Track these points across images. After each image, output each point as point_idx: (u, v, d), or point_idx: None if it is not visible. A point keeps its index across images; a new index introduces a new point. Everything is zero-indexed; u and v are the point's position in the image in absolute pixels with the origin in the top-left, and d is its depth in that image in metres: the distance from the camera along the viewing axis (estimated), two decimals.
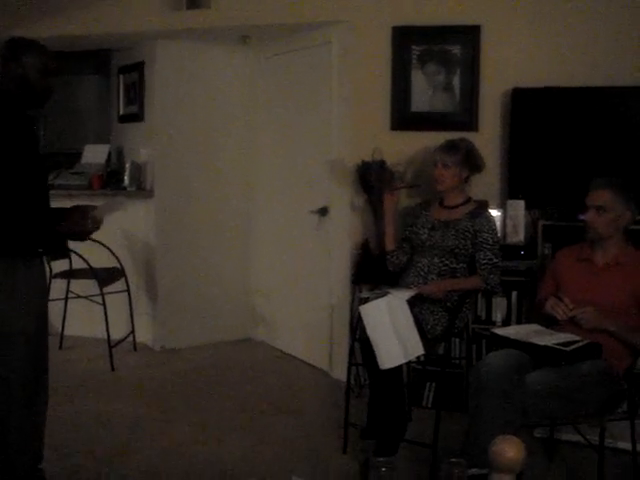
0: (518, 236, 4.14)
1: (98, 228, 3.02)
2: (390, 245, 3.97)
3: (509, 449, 2.06)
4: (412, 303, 3.52)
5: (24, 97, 2.89)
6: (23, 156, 2.82)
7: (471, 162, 3.82)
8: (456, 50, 4.39)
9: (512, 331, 3.22)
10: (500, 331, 3.25)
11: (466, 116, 4.39)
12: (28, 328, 2.88)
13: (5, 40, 2.94)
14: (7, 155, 2.76)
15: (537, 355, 3.00)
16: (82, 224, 2.96)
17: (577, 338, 3.02)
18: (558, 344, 2.97)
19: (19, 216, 2.79)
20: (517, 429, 2.81)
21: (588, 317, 3.07)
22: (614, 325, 3.06)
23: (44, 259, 3.11)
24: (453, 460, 2.22)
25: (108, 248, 5.16)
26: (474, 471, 2.30)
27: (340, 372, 4.55)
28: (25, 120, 2.90)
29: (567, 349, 2.93)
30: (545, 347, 2.98)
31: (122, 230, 5.41)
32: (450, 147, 3.80)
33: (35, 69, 2.87)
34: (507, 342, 3.11)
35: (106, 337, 4.99)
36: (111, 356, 4.98)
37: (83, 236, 3.05)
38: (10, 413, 2.89)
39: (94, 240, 4.76)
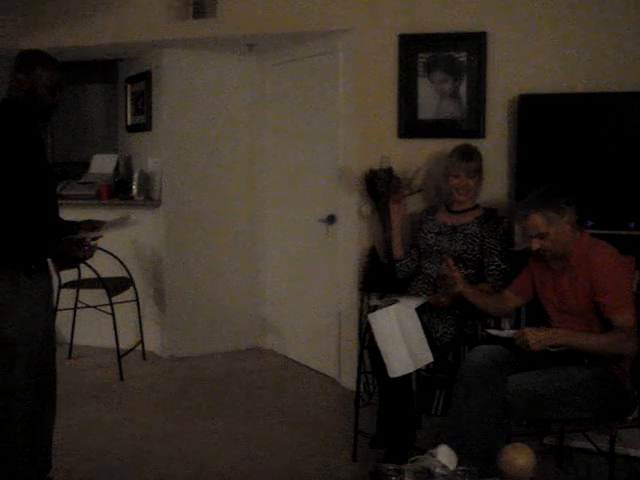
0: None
1: (90, 256, 3.05)
2: (399, 253, 3.96)
3: (519, 457, 2.06)
4: (421, 311, 3.52)
5: (31, 109, 2.91)
6: (29, 165, 2.84)
7: (481, 168, 3.85)
8: (462, 57, 4.38)
9: (505, 334, 3.18)
10: (494, 332, 3.25)
11: (473, 123, 4.38)
12: (31, 339, 2.89)
13: (20, 51, 2.97)
14: (13, 164, 2.78)
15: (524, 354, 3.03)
16: (76, 251, 2.97)
17: None
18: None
19: (24, 229, 2.82)
20: (501, 425, 2.89)
21: (525, 343, 2.94)
22: (560, 338, 2.93)
23: (49, 268, 3.13)
24: (460, 468, 2.23)
25: (117, 257, 5.18)
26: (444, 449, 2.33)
27: (349, 380, 4.54)
28: (32, 130, 2.93)
29: (552, 350, 2.93)
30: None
31: (130, 239, 5.43)
32: (470, 155, 3.81)
33: (44, 84, 2.89)
34: (498, 340, 3.14)
35: (115, 346, 4.99)
36: (120, 365, 4.98)
37: (75, 261, 3.05)
38: (16, 424, 2.89)
39: (103, 250, 4.80)
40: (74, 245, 2.95)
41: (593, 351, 2.94)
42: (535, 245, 3.09)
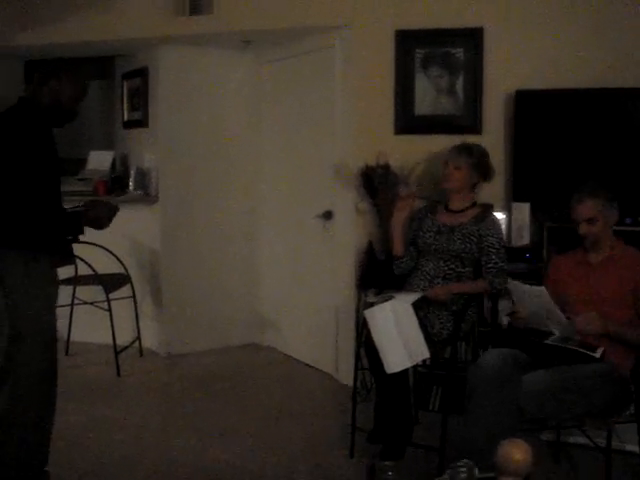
0: (523, 239, 4.13)
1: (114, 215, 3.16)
2: (399, 251, 3.94)
3: (516, 452, 2.05)
4: (417, 307, 3.51)
5: (52, 114, 3.09)
6: (41, 163, 2.98)
7: (482, 169, 3.82)
8: (459, 53, 4.38)
9: (527, 288, 3.28)
10: (514, 285, 3.34)
11: (470, 119, 4.39)
12: (42, 327, 3.00)
13: (53, 58, 3.21)
14: (27, 161, 2.92)
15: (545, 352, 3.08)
16: (101, 211, 3.10)
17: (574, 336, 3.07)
18: (564, 340, 3.06)
19: (33, 213, 2.93)
20: (515, 428, 2.87)
21: (593, 327, 3.08)
22: (612, 325, 3.07)
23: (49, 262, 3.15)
24: (460, 464, 2.22)
25: (113, 254, 5.17)
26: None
27: (346, 376, 4.55)
28: (48, 129, 3.09)
29: (596, 355, 2.98)
30: (573, 350, 3.02)
31: (127, 236, 5.41)
32: (464, 149, 3.81)
33: (71, 94, 3.10)
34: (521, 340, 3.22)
35: (112, 343, 4.99)
36: (117, 362, 4.98)
37: (103, 223, 3.12)
38: (26, 410, 2.96)
39: (99, 246, 4.80)
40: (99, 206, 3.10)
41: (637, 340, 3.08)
42: (583, 229, 3.24)
